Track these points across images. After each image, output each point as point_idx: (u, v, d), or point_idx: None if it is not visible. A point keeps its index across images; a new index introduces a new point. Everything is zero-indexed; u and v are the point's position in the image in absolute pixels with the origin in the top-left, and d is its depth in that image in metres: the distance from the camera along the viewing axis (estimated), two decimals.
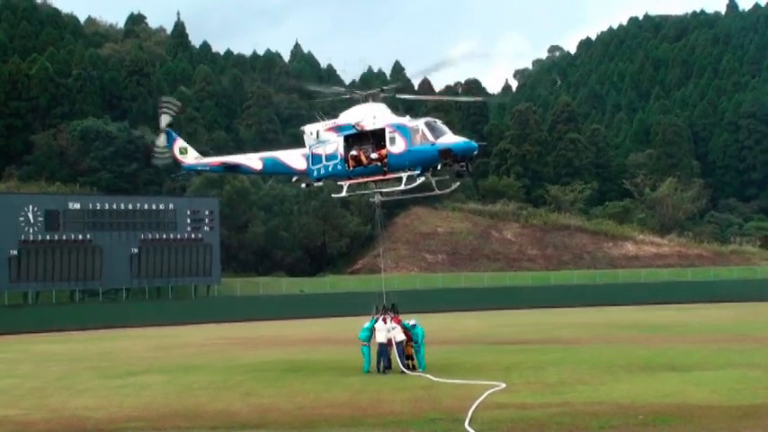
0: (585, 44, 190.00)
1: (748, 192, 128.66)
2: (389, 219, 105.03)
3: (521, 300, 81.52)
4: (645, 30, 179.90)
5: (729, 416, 19.02)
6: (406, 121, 28.54)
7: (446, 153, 27.31)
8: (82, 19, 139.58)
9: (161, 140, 32.12)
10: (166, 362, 35.13)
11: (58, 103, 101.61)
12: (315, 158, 29.74)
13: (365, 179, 29.14)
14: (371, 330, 28.79)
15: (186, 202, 79.74)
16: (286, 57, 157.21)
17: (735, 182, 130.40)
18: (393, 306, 29.47)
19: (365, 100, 29.60)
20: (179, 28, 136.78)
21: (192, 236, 76.07)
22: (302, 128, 31.20)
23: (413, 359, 28.95)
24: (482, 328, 52.86)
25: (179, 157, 32.17)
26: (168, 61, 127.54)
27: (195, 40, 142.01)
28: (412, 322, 29.30)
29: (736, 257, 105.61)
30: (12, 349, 46.22)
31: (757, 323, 51.03)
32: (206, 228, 76.94)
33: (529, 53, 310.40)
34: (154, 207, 75.10)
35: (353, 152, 28.73)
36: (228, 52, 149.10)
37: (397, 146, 27.83)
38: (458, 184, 30.80)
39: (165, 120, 31.87)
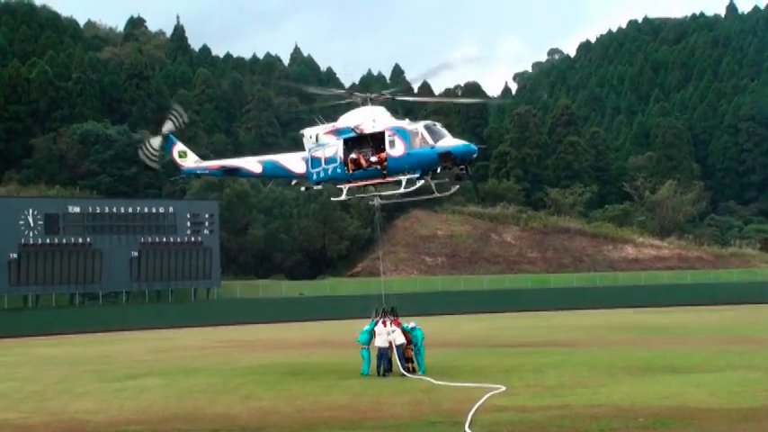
0: (585, 47, 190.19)
1: (748, 194, 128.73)
2: (389, 222, 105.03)
3: (521, 302, 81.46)
4: (644, 32, 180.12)
5: (729, 418, 19.03)
6: (406, 124, 28.55)
7: (446, 156, 27.30)
8: (81, 23, 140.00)
9: (156, 142, 31.96)
10: (166, 365, 35.12)
11: (58, 107, 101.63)
12: (314, 162, 29.74)
13: (365, 182, 29.14)
14: (371, 333, 28.79)
15: (186, 205, 79.78)
16: (286, 60, 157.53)
17: (734, 184, 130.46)
18: (393, 309, 29.47)
19: (364, 103, 29.62)
20: (179, 31, 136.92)
21: (192, 239, 76.09)
22: (301, 131, 31.21)
23: (413, 362, 28.95)
24: (482, 331, 52.85)
25: (178, 160, 32.15)
26: (168, 65, 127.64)
27: (195, 44, 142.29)
28: (411, 325, 29.31)
29: (735, 260, 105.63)
30: (12, 352, 46.20)
31: (757, 325, 50.99)
32: (206, 231, 76.96)
33: (528, 56, 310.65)
34: (154, 210, 75.13)
35: (353, 155, 28.74)
36: (228, 55, 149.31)
37: (396, 149, 27.83)
38: (457, 187, 30.77)
39: (168, 126, 31.80)
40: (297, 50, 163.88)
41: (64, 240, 70.33)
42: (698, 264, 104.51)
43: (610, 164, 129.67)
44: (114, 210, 73.23)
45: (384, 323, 28.63)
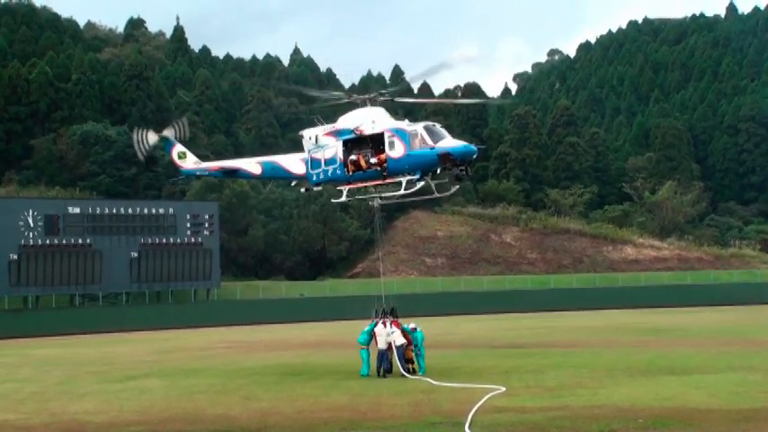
0: (585, 47, 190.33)
1: (748, 195, 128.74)
2: (389, 222, 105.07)
3: (520, 303, 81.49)
4: (644, 33, 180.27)
5: (729, 419, 19.04)
6: (405, 125, 28.57)
7: (445, 157, 27.32)
8: (81, 23, 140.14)
9: (152, 139, 31.76)
10: (166, 366, 35.12)
11: (58, 108, 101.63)
12: (314, 163, 29.75)
13: (364, 184, 29.15)
14: (371, 334, 28.80)
15: (186, 206, 79.78)
16: (286, 61, 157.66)
17: (734, 185, 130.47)
18: (392, 310, 29.47)
19: (364, 104, 29.62)
20: (178, 32, 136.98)
21: (192, 240, 76.10)
22: (301, 132, 31.20)
23: (413, 363, 28.96)
24: (482, 332, 52.85)
25: (177, 161, 32.12)
26: (168, 66, 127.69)
27: (195, 45, 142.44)
28: (412, 326, 29.31)
29: (735, 261, 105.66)
30: (12, 353, 46.19)
31: (757, 326, 50.99)
32: (206, 232, 76.97)
33: (528, 57, 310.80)
34: (153, 211, 75.12)
35: (353, 157, 28.75)
36: (228, 56, 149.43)
37: (396, 150, 27.85)
38: (457, 187, 30.80)
39: (168, 131, 31.75)
40: (297, 51, 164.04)
41: (64, 241, 70.31)
42: (698, 264, 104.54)
43: (609, 165, 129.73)
44: (114, 211, 73.21)
45: (384, 324, 28.64)
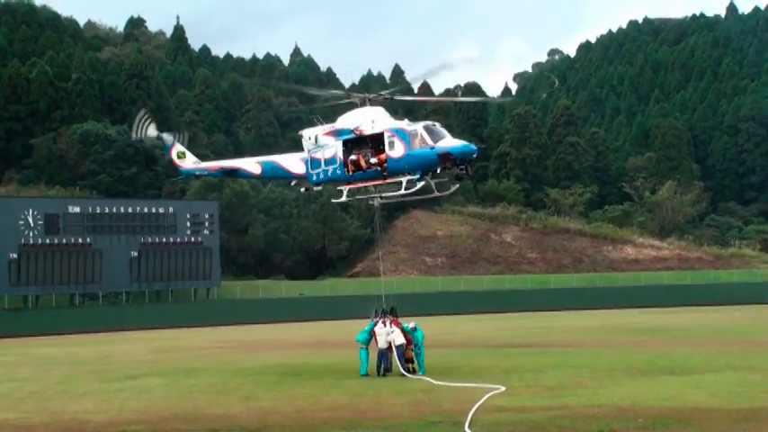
0: (585, 47, 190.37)
1: (748, 195, 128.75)
2: (389, 222, 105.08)
3: (520, 303, 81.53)
4: (644, 33, 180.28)
5: (729, 419, 19.04)
6: (405, 125, 28.55)
7: (445, 157, 27.31)
8: (81, 23, 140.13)
9: (152, 131, 31.82)
10: (166, 365, 35.13)
11: (58, 107, 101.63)
12: (314, 163, 29.74)
13: (365, 183, 29.15)
14: (370, 333, 28.80)
15: (186, 205, 79.81)
16: (286, 60, 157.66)
17: (734, 185, 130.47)
18: (392, 309, 29.46)
19: (363, 104, 29.61)
20: (178, 32, 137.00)
21: (192, 239, 76.11)
22: (300, 132, 31.19)
23: (413, 362, 28.95)
24: (482, 332, 52.87)
25: (177, 161, 32.11)
26: (168, 65, 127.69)
27: (195, 44, 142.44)
28: (412, 325, 29.29)
29: (735, 260, 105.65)
30: (12, 353, 46.21)
31: (757, 326, 51.00)
32: (206, 231, 76.97)
33: (528, 56, 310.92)
34: (153, 210, 75.15)
35: (353, 157, 28.74)
36: (228, 56, 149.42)
37: (396, 150, 27.84)
38: (457, 186, 30.78)
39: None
40: (297, 51, 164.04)
41: (64, 240, 70.34)
42: (698, 264, 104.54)
43: (610, 164, 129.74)
44: (114, 210, 73.24)
45: (384, 323, 28.64)
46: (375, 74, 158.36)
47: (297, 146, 31.75)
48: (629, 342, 40.79)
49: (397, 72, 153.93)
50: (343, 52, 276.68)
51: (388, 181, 28.50)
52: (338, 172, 29.02)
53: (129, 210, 74.02)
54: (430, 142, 27.56)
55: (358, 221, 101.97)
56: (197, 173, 33.38)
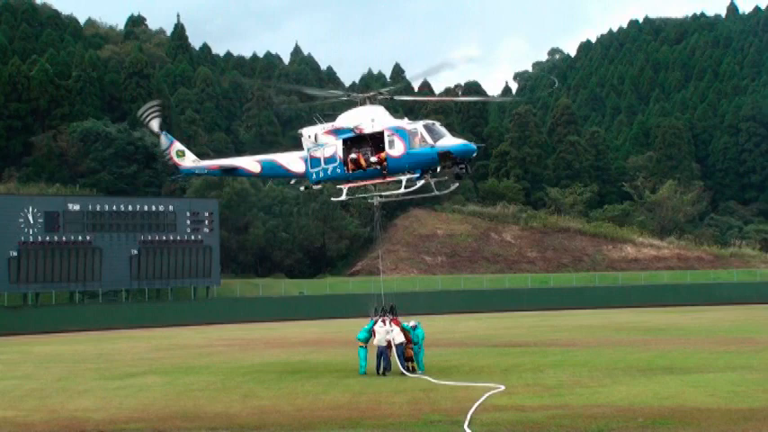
0: (585, 47, 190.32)
1: (748, 195, 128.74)
2: (389, 221, 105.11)
3: (520, 302, 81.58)
4: (645, 32, 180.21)
5: (728, 419, 19.05)
6: (405, 123, 28.55)
7: (445, 155, 27.32)
8: (82, 21, 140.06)
9: (163, 142, 32.13)
10: (166, 363, 35.14)
11: (58, 105, 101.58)
12: (313, 161, 29.74)
13: (364, 182, 29.15)
14: (370, 332, 28.81)
15: (186, 203, 79.79)
16: (286, 59, 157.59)
17: (734, 185, 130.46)
18: (392, 308, 29.47)
19: (364, 102, 29.61)
20: (179, 30, 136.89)
21: (192, 237, 76.12)
22: (300, 130, 31.18)
23: (412, 361, 28.96)
24: (481, 331, 52.87)
25: (176, 160, 32.13)
26: (168, 63, 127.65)
27: (195, 43, 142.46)
28: (412, 324, 29.29)
29: (735, 260, 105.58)
30: (11, 350, 46.23)
31: (756, 326, 51.02)
32: (206, 229, 76.96)
33: (529, 56, 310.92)
34: (154, 208, 75.14)
35: (352, 155, 28.75)
36: (228, 54, 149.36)
37: (396, 149, 27.85)
38: (457, 185, 30.77)
39: (155, 124, 31.81)
40: (297, 49, 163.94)
41: (64, 238, 70.36)
42: (697, 264, 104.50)
43: (610, 163, 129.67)
44: (114, 208, 73.23)
45: (383, 322, 28.64)
46: (375, 73, 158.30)
47: (297, 144, 31.74)
48: (629, 341, 40.80)
49: (398, 71, 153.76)
50: (343, 51, 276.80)
51: (387, 180, 28.50)
52: (338, 170, 29.03)
53: (129, 208, 74.02)
54: (430, 141, 27.56)
55: (358, 220, 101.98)
56: (196, 171, 33.36)
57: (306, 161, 30.10)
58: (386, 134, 28.11)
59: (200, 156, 34.08)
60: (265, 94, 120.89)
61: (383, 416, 20.49)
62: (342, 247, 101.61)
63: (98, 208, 72.56)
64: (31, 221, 69.04)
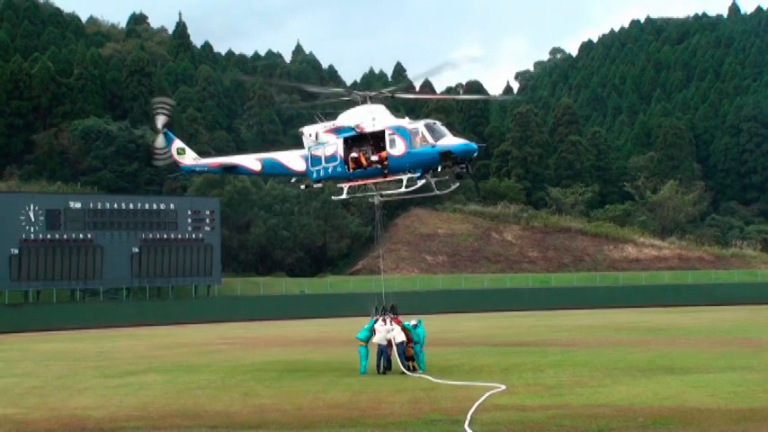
0: (587, 46, 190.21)
1: (749, 195, 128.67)
2: (390, 220, 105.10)
3: (521, 302, 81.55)
4: (646, 32, 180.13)
5: (728, 419, 19.04)
6: (406, 123, 28.51)
7: (446, 155, 27.28)
8: (84, 19, 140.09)
9: (159, 141, 32.14)
10: (166, 361, 35.14)
11: (60, 103, 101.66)
12: (314, 160, 29.73)
13: (365, 181, 29.13)
14: (371, 331, 28.80)
15: (187, 201, 79.79)
16: (288, 58, 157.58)
17: (736, 185, 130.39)
18: (392, 307, 29.45)
19: (365, 101, 29.59)
20: (181, 28, 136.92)
21: (193, 236, 76.12)
22: (301, 129, 31.16)
23: (413, 360, 28.94)
24: (482, 330, 52.86)
25: (177, 157, 32.14)
26: (170, 61, 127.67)
27: (197, 41, 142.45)
28: (413, 322, 29.25)
29: (736, 261, 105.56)
30: (12, 348, 46.24)
31: (757, 326, 51.00)
32: (207, 228, 76.98)
33: (530, 55, 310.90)
34: (155, 207, 75.13)
35: (353, 154, 28.72)
36: (230, 53, 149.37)
37: (396, 148, 27.82)
38: (457, 184, 30.74)
39: (161, 120, 31.83)
40: (299, 48, 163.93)
41: (65, 236, 70.36)
42: (698, 264, 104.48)
43: (611, 163, 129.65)
44: (115, 206, 73.23)
45: (384, 321, 28.63)
46: (377, 72, 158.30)
47: (298, 143, 31.74)
48: (630, 341, 40.78)
49: (399, 70, 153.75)
50: (345, 50, 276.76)
51: (388, 179, 28.47)
52: (339, 169, 29.02)
53: (131, 206, 74.01)
54: (431, 141, 27.52)
55: (359, 219, 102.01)
56: (197, 169, 33.36)
57: (306, 160, 30.08)
58: (387, 133, 28.08)
59: (202, 154, 34.05)
60: (267, 92, 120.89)
61: (383, 415, 20.48)
62: (343, 246, 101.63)
63: (99, 206, 72.55)
64: (33, 219, 69.06)
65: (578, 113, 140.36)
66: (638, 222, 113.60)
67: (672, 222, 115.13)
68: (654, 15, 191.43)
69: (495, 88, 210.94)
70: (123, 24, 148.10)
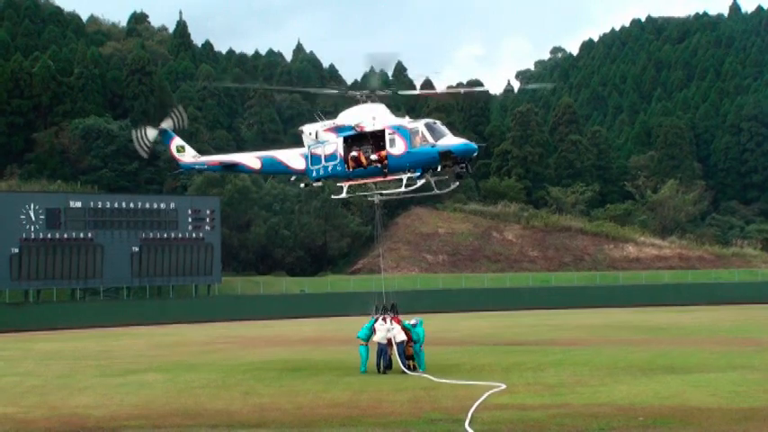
0: (588, 45, 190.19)
1: (750, 194, 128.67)
2: (390, 219, 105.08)
3: (521, 301, 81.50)
4: (647, 31, 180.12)
5: (729, 418, 19.02)
6: (406, 122, 28.48)
7: (446, 155, 27.26)
8: (84, 17, 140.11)
9: (152, 134, 31.81)
10: (167, 360, 35.13)
11: (60, 102, 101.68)
12: (314, 159, 29.70)
13: (365, 180, 29.10)
14: (371, 330, 28.78)
15: (187, 200, 79.76)
16: (288, 57, 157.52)
17: (736, 184, 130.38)
18: (393, 306, 29.43)
19: (365, 100, 29.55)
20: (181, 27, 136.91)
21: (193, 235, 76.09)
22: (301, 128, 31.13)
23: (413, 359, 28.93)
24: (482, 329, 52.84)
25: (176, 155, 32.06)
26: (170, 60, 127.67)
27: (197, 40, 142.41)
28: (413, 322, 29.23)
29: (737, 260, 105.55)
30: (12, 347, 46.22)
31: (757, 326, 50.97)
32: (207, 227, 76.94)
33: (531, 54, 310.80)
34: (155, 206, 75.11)
35: (353, 153, 28.69)
36: (230, 52, 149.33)
37: (396, 147, 27.78)
38: (457, 184, 30.72)
39: (167, 123, 31.76)
40: (299, 47, 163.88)
41: (65, 235, 70.32)
42: (699, 263, 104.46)
43: (611, 163, 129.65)
44: (116, 205, 73.21)
45: (384, 320, 28.61)
46: (377, 71, 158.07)
47: (299, 142, 31.72)
48: (630, 341, 40.77)
49: (400, 69, 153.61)
50: (345, 49, 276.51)
51: (388, 178, 28.44)
52: (338, 168, 28.98)
53: (131, 205, 73.98)
54: (431, 140, 27.48)
55: (359, 218, 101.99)
56: (196, 167, 33.29)
57: (306, 158, 30.05)
58: (387, 132, 28.05)
59: (202, 153, 34.01)
60: (267, 91, 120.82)
61: (384, 414, 20.47)
62: (343, 246, 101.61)
63: (99, 205, 72.52)
64: (33, 218, 69.03)
65: (579, 113, 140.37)
66: (638, 222, 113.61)
67: (672, 222, 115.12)
68: (654, 14, 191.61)
69: (495, 87, 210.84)
70: (124, 23, 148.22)
